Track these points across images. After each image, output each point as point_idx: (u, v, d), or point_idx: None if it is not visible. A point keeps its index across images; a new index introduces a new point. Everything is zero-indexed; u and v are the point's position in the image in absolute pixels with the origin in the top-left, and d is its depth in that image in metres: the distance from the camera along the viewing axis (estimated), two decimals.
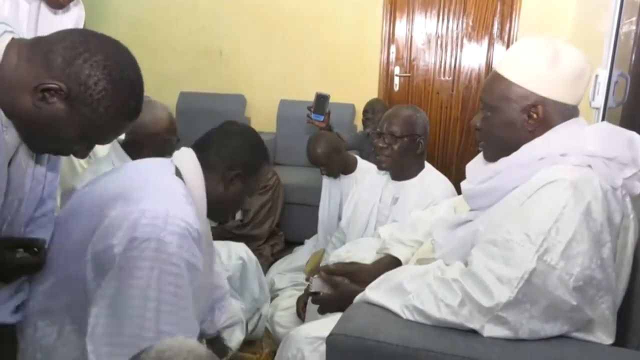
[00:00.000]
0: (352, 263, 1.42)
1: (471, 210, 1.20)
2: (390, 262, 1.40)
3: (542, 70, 1.06)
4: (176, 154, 1.27)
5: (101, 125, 0.94)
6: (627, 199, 1.04)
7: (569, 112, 1.08)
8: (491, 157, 1.15)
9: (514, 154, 1.08)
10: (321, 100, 2.71)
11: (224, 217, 1.38)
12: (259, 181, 1.36)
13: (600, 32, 2.38)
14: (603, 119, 2.25)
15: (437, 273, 1.04)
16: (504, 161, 1.10)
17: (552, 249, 0.94)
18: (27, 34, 1.11)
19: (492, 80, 1.13)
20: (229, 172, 1.25)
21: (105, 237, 1.01)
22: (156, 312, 0.99)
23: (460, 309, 0.97)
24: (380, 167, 1.91)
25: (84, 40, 0.90)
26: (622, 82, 2.20)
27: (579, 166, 1.00)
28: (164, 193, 1.09)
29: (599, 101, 2.24)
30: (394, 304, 1.04)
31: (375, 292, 1.10)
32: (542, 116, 1.07)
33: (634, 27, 2.27)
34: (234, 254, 1.96)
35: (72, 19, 1.85)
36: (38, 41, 0.91)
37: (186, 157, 1.24)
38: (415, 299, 1.02)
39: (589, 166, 1.00)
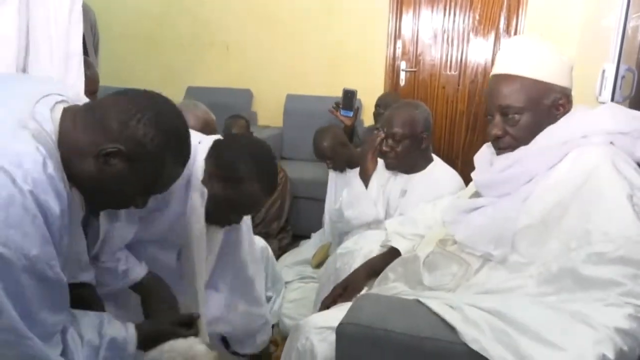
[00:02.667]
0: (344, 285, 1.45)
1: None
2: (391, 256, 1.43)
3: (557, 62, 1.10)
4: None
5: (161, 176, 1.01)
6: None
7: (571, 96, 1.14)
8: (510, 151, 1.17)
9: (532, 142, 1.11)
10: (349, 95, 2.71)
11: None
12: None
13: (607, 26, 2.38)
14: None
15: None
16: (522, 149, 1.12)
17: None
18: (17, 11, 1.14)
19: (504, 83, 1.12)
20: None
21: None
22: None
23: None
24: (387, 167, 1.92)
25: (133, 101, 0.96)
26: (629, 76, 2.20)
27: (603, 145, 1.04)
28: None
29: (606, 95, 2.24)
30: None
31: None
32: (568, 106, 1.11)
33: None
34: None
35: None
36: (91, 107, 0.97)
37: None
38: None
39: (611, 143, 1.05)
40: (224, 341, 1.57)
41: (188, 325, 1.09)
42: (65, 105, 0.96)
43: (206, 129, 1.75)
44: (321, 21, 3.74)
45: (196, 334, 1.07)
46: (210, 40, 4.01)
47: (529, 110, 1.10)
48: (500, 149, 1.18)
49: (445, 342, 0.97)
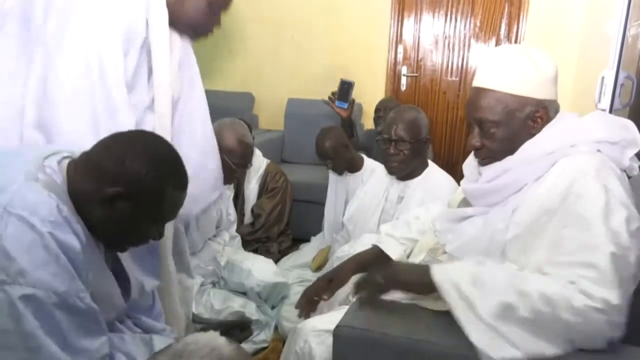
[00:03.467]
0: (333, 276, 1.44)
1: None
2: (375, 253, 1.45)
3: (532, 75, 1.10)
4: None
5: (166, 205, 1.04)
6: (627, 181, 1.08)
7: (556, 107, 1.14)
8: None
9: (519, 152, 1.11)
10: (345, 87, 2.70)
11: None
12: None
13: (607, 33, 2.39)
14: None
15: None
16: (510, 159, 1.12)
17: (619, 233, 0.95)
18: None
19: (481, 96, 1.13)
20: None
21: None
22: None
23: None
24: (391, 173, 1.91)
25: (120, 142, 1.02)
26: (628, 83, 2.22)
27: (591, 153, 1.05)
28: None
29: (605, 103, 2.25)
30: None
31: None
32: (545, 118, 1.11)
33: None
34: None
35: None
36: (86, 156, 1.03)
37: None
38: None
39: (599, 151, 1.05)
40: None
41: (241, 328, 1.12)
42: (71, 159, 1.04)
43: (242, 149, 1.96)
44: (323, 26, 3.76)
45: (248, 336, 1.09)
46: (212, 45, 4.03)
47: (503, 124, 1.11)
48: (481, 160, 1.19)
49: (441, 345, 0.98)
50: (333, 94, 2.71)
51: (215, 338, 0.75)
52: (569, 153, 1.06)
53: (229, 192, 2.68)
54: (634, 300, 1.07)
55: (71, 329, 0.90)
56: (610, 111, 2.27)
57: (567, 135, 1.08)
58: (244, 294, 2.12)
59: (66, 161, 1.02)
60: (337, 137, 2.40)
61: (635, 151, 1.07)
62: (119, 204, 0.98)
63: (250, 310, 2.01)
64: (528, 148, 1.10)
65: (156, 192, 1.01)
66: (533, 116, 1.10)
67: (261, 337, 2.00)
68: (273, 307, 2.18)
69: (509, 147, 1.12)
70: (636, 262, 0.95)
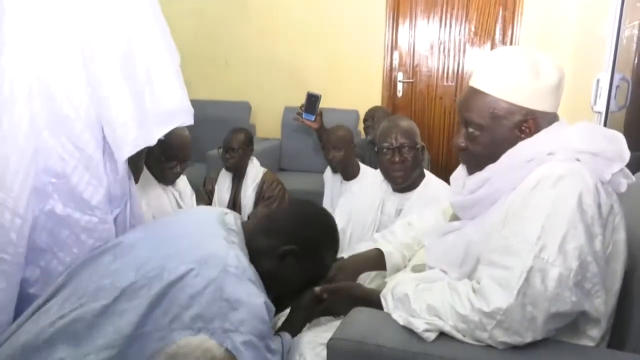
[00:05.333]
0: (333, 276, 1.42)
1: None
2: (374, 255, 1.45)
3: (527, 83, 1.05)
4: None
5: (322, 267, 1.24)
6: (614, 197, 1.03)
7: (552, 118, 1.09)
8: (477, 170, 1.13)
9: (500, 160, 1.07)
10: (312, 99, 2.75)
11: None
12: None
13: (601, 36, 2.39)
14: (605, 123, 2.26)
15: (450, 285, 1.04)
16: (490, 168, 1.09)
17: (548, 246, 0.93)
18: None
19: (472, 97, 1.10)
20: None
21: None
22: None
23: (470, 317, 0.96)
24: (395, 183, 1.85)
25: (296, 209, 1.26)
26: (623, 85, 2.21)
27: (566, 161, 1.00)
28: None
29: (601, 105, 2.25)
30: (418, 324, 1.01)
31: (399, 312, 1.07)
32: (533, 129, 1.06)
33: (636, 31, 2.28)
34: None
35: None
36: (267, 216, 1.25)
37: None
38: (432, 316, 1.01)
39: (577, 160, 1.00)
40: None
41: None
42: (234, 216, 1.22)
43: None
44: (318, 34, 3.77)
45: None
46: (209, 54, 4.04)
47: (487, 129, 1.08)
48: (464, 162, 1.18)
49: (436, 357, 0.97)
50: (301, 107, 2.76)
51: (206, 340, 0.78)
52: (546, 160, 1.02)
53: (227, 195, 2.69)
54: (625, 305, 1.06)
55: None
56: (607, 114, 2.27)
57: (547, 143, 1.03)
58: None
59: (239, 220, 1.21)
60: (349, 134, 2.59)
61: (622, 166, 1.02)
62: (289, 260, 1.16)
63: None
64: (509, 156, 1.06)
65: (319, 255, 1.21)
66: (520, 126, 1.06)
67: None
68: None
69: (491, 153, 1.08)
70: (558, 279, 0.91)
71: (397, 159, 1.81)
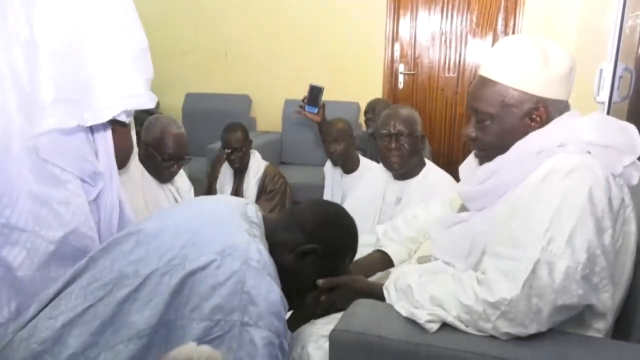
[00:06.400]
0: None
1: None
2: (380, 257, 1.43)
3: (538, 71, 1.04)
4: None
5: (340, 268, 1.23)
6: (626, 189, 1.02)
7: (563, 107, 1.07)
8: (487, 161, 1.12)
9: (510, 151, 1.06)
10: (315, 92, 2.72)
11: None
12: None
13: (605, 26, 2.37)
14: (608, 113, 2.24)
15: (454, 276, 1.04)
16: (500, 159, 1.08)
17: (557, 238, 0.92)
18: None
19: (482, 86, 1.09)
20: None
21: None
22: None
23: (474, 307, 0.95)
24: (392, 169, 1.87)
25: (318, 208, 1.24)
26: (626, 76, 2.19)
27: (577, 153, 0.99)
28: None
29: (604, 95, 2.23)
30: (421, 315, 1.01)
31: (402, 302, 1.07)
32: (544, 117, 1.05)
33: (639, 21, 2.26)
34: None
35: None
36: (289, 212, 1.29)
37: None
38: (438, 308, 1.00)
39: (589, 152, 0.99)
40: None
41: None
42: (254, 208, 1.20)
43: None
44: (319, 26, 3.75)
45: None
46: (209, 47, 4.02)
47: (498, 118, 1.07)
48: (476, 152, 1.17)
49: (439, 348, 0.96)
50: (303, 100, 2.72)
51: (200, 349, 0.78)
52: (556, 152, 1.00)
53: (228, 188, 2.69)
54: (631, 298, 1.06)
55: None
56: (609, 104, 2.25)
57: (558, 134, 1.02)
58: None
59: (260, 212, 1.20)
60: (349, 126, 2.59)
61: (633, 158, 1.00)
62: (309, 258, 1.16)
63: None
64: (518, 147, 1.05)
65: (339, 255, 1.21)
66: (531, 114, 1.05)
67: None
68: None
69: (502, 143, 1.08)
70: (566, 272, 0.91)
71: (393, 146, 1.83)
